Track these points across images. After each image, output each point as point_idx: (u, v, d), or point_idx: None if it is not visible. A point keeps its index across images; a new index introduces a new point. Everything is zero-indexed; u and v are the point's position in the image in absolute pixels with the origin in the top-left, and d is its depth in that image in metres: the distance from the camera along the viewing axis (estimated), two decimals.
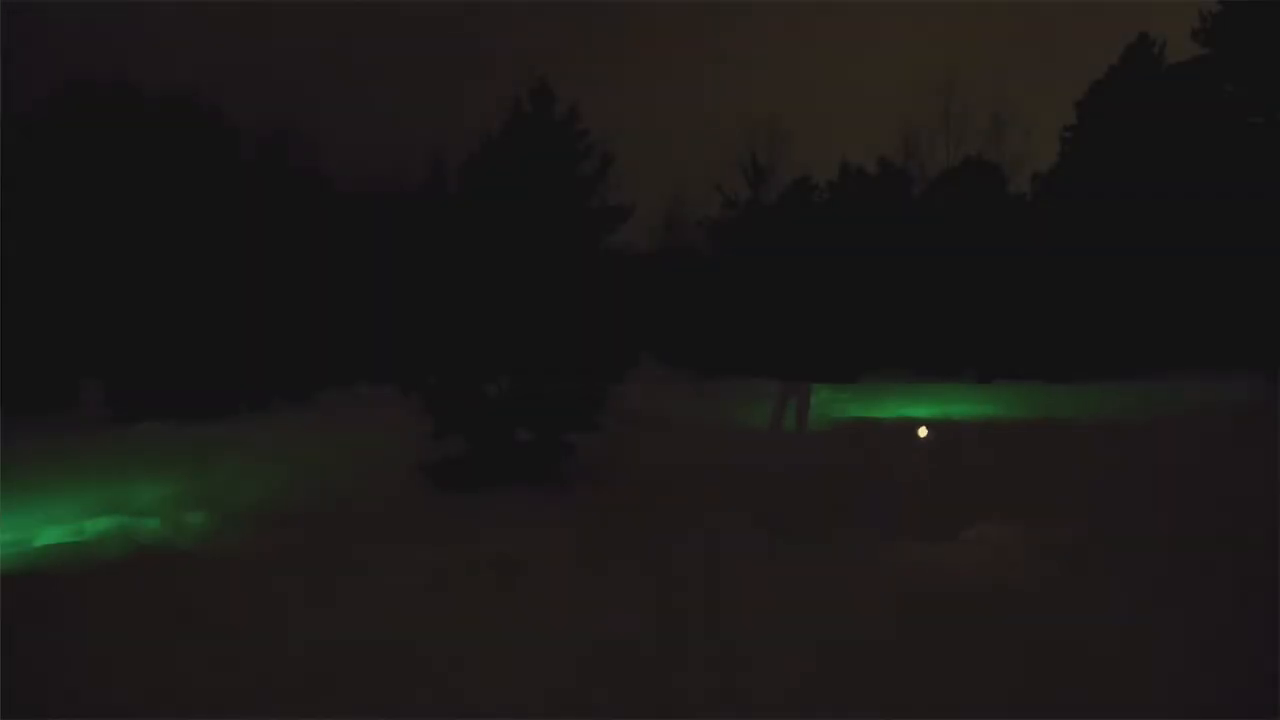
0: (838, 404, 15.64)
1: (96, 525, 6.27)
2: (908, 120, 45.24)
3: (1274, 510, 5.80)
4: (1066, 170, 23.94)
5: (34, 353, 15.51)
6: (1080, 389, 16.08)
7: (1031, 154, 36.65)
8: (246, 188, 20.91)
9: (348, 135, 47.94)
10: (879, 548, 5.52)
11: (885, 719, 3.18)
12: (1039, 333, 18.57)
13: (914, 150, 29.66)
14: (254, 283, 17.30)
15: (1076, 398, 15.34)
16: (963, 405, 15.33)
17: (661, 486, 7.86)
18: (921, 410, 14.75)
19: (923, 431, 6.55)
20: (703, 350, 25.71)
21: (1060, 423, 12.61)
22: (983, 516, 6.17)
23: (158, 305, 15.40)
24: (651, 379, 19.25)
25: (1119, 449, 9.73)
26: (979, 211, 23.71)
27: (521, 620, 4.30)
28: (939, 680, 3.47)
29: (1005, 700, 3.25)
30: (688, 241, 31.84)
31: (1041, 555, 5.19)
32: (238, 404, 15.65)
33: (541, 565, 5.28)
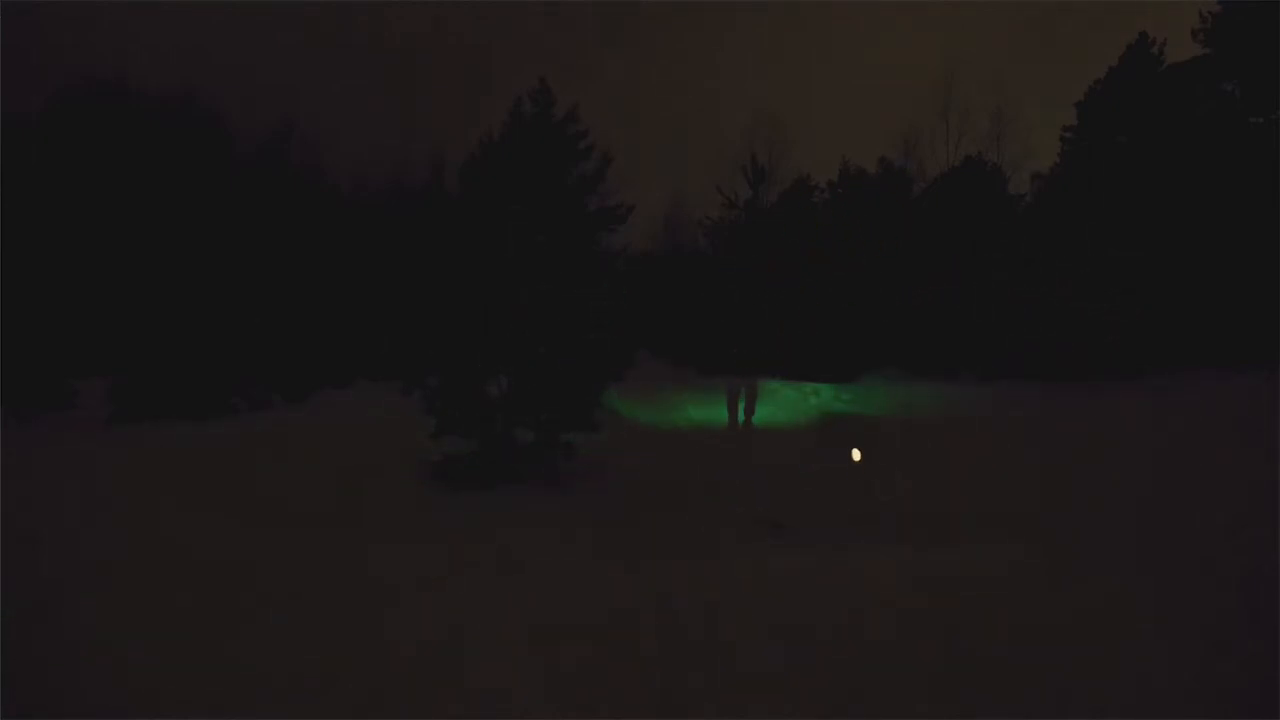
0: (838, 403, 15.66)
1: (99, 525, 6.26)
2: (908, 120, 45.52)
3: (1275, 509, 5.79)
4: (1066, 170, 23.89)
5: (34, 352, 15.47)
6: (1080, 388, 16.07)
7: (1031, 154, 36.60)
8: (246, 187, 20.90)
9: (348, 135, 47.76)
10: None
11: (886, 718, 3.18)
12: (1039, 333, 18.52)
13: (914, 150, 29.62)
14: (253, 282, 17.28)
15: (1077, 397, 15.31)
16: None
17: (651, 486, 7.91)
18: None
19: (856, 454, 7.08)
20: (702, 348, 25.67)
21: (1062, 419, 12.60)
22: None
23: (157, 305, 15.36)
24: (650, 377, 19.22)
25: (1120, 446, 9.73)
26: (979, 211, 23.65)
27: (522, 618, 4.29)
28: None
29: None
30: (688, 241, 31.77)
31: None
32: (237, 403, 15.62)
33: (542, 562, 5.29)
